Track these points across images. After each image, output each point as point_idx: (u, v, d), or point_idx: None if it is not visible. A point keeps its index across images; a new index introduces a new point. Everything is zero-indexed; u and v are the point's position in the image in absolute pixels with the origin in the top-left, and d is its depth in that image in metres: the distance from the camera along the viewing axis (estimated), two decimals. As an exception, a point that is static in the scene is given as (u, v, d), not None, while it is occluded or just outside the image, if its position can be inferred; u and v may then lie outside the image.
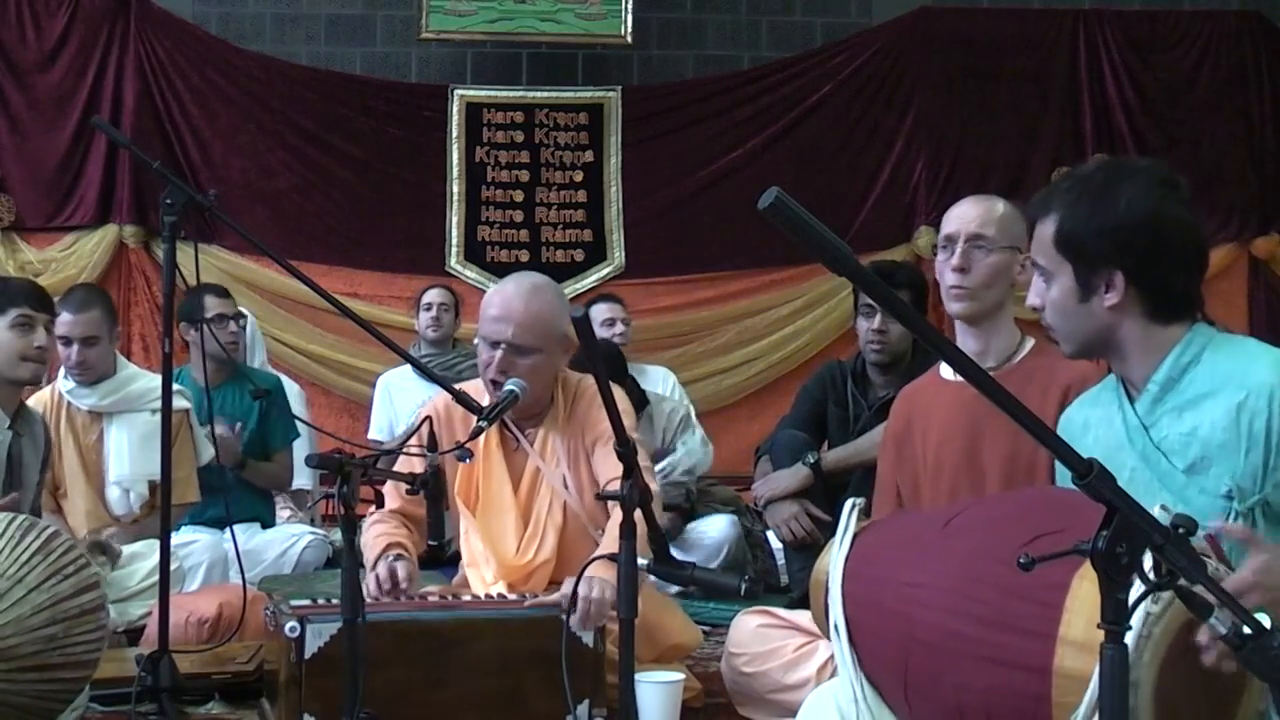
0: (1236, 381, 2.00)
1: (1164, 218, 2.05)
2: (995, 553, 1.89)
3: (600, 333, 5.32)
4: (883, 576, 2.07)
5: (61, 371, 4.19)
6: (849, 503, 2.22)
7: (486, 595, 2.97)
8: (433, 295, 5.97)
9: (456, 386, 3.27)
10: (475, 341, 3.13)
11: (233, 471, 4.59)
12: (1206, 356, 2.06)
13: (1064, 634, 1.77)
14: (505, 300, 3.07)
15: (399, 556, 2.99)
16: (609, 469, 3.00)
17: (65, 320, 3.97)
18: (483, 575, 3.09)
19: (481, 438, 3.07)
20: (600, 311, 5.52)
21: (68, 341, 4.00)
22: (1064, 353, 2.21)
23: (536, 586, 3.08)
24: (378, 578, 2.93)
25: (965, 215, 2.73)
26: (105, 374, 4.10)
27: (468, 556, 3.15)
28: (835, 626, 2.09)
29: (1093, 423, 2.21)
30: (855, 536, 2.17)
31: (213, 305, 4.77)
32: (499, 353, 3.02)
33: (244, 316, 4.98)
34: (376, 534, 3.08)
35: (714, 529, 4.80)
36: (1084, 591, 1.76)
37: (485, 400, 3.06)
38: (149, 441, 3.97)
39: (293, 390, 5.57)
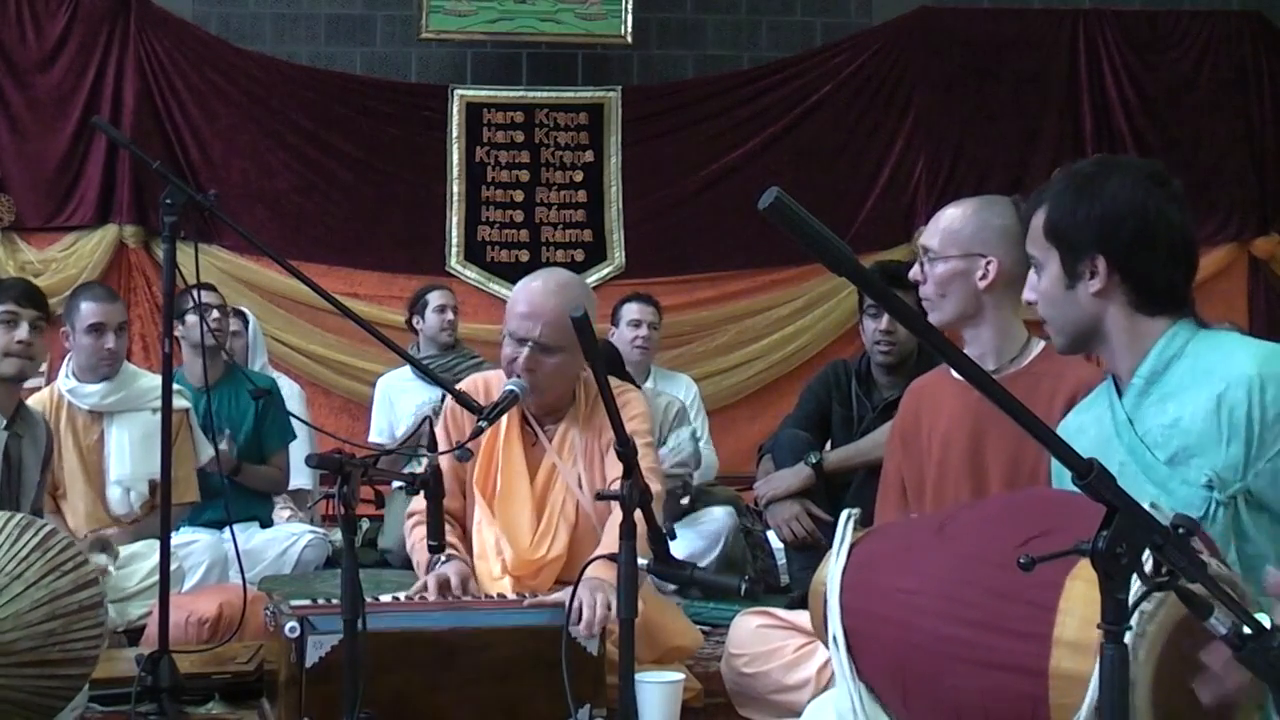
0: (1218, 373, 2.02)
1: (1149, 210, 2.08)
2: (988, 556, 1.89)
3: (625, 331, 5.36)
4: (879, 585, 2.07)
5: (62, 371, 4.19)
6: (844, 514, 2.21)
7: (486, 595, 2.97)
8: (442, 297, 5.81)
9: (479, 375, 3.30)
10: (503, 335, 3.12)
11: (228, 478, 4.60)
12: (1190, 350, 2.08)
13: (1058, 635, 1.76)
14: (534, 298, 3.06)
15: (449, 558, 2.99)
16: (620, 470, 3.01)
17: (101, 309, 4.00)
18: (490, 569, 3.08)
19: (503, 429, 3.09)
20: (630, 310, 5.48)
21: (102, 330, 3.99)
22: (1056, 345, 2.24)
23: (545, 582, 3.08)
24: (428, 589, 2.94)
25: (927, 227, 2.79)
26: (115, 371, 4.12)
27: (478, 548, 3.13)
28: (834, 638, 2.09)
29: (1086, 425, 2.24)
30: (852, 547, 2.16)
31: (201, 296, 4.80)
32: (525, 350, 3.03)
33: (242, 313, 4.97)
34: (422, 536, 3.08)
35: (711, 519, 4.81)
36: (1077, 591, 1.76)
37: None
38: (150, 441, 3.97)
39: (293, 390, 5.58)
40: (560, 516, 3.11)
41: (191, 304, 4.73)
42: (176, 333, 4.64)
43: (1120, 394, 2.16)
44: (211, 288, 4.97)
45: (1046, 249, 2.13)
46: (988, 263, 2.65)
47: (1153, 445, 2.07)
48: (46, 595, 2.54)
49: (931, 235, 2.72)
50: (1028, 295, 2.20)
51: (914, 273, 2.74)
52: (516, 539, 3.09)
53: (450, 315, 5.79)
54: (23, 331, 3.45)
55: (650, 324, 5.45)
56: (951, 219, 2.71)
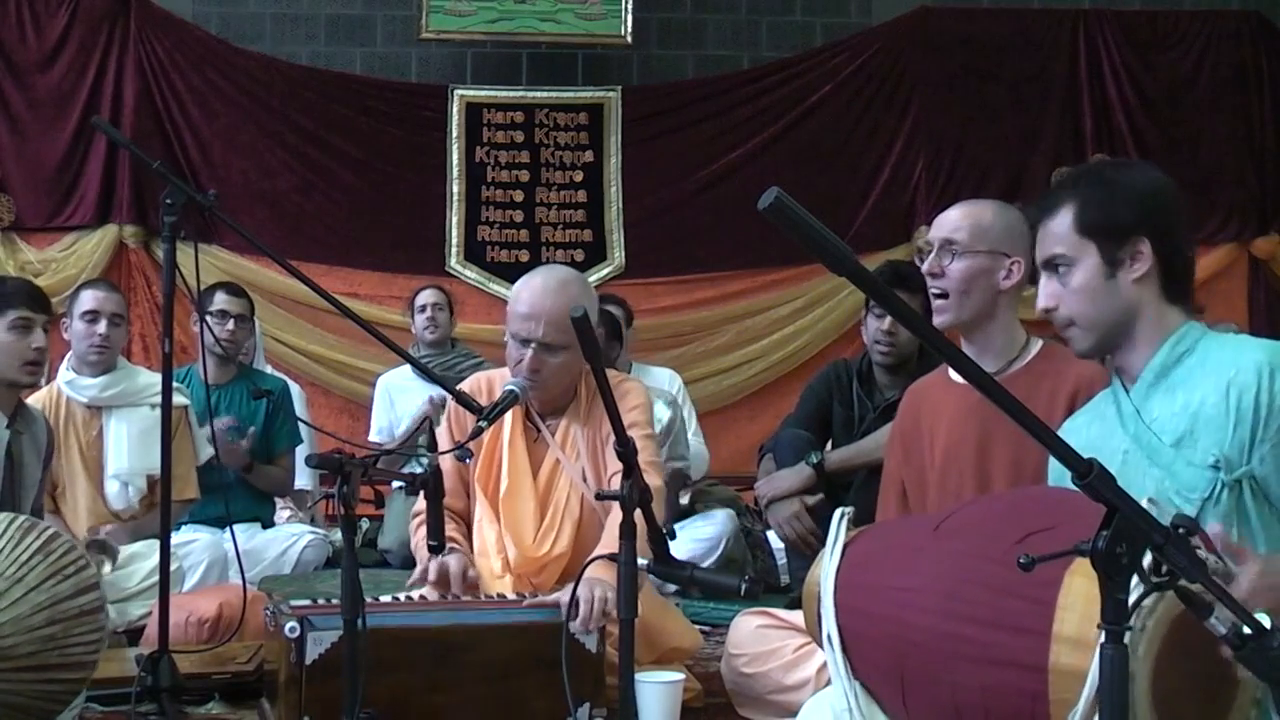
0: (1229, 362, 2.06)
1: (1172, 189, 2.18)
2: (986, 552, 1.89)
3: None
4: (875, 583, 2.07)
5: (63, 365, 4.21)
6: (838, 512, 2.22)
7: (486, 596, 2.97)
8: (426, 296, 5.90)
9: (482, 374, 3.32)
10: (506, 338, 3.11)
11: (239, 475, 4.61)
12: (1201, 347, 2.13)
13: (1058, 631, 1.77)
14: (534, 298, 3.04)
15: (450, 550, 2.99)
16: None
17: (96, 296, 4.09)
18: (491, 566, 3.08)
19: (505, 426, 3.09)
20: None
21: (95, 317, 4.06)
22: (1079, 349, 2.23)
23: (549, 579, 3.08)
24: (428, 575, 2.95)
25: (942, 221, 2.74)
26: (112, 365, 4.14)
27: (478, 545, 3.13)
28: (828, 637, 2.09)
29: (1084, 426, 2.26)
30: (845, 546, 2.16)
31: (219, 301, 4.79)
32: (529, 351, 3.02)
33: (247, 320, 4.93)
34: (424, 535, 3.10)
35: (711, 523, 4.80)
36: (1076, 587, 1.76)
37: None
38: (148, 436, 3.98)
39: (293, 390, 5.57)
40: (565, 512, 3.10)
41: (212, 305, 4.74)
42: (194, 329, 4.64)
43: (1126, 389, 2.18)
44: (238, 292, 4.96)
45: (1080, 245, 2.15)
46: (1012, 263, 2.66)
47: (1159, 431, 2.10)
48: (47, 599, 2.53)
49: (957, 229, 2.68)
50: (1044, 303, 2.20)
51: (930, 265, 2.69)
52: (521, 536, 3.09)
53: (429, 314, 5.82)
54: (39, 338, 3.44)
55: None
56: (979, 215, 2.70)
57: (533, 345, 3.01)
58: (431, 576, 2.94)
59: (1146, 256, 2.13)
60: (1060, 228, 2.17)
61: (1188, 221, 2.21)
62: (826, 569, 2.14)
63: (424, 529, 3.07)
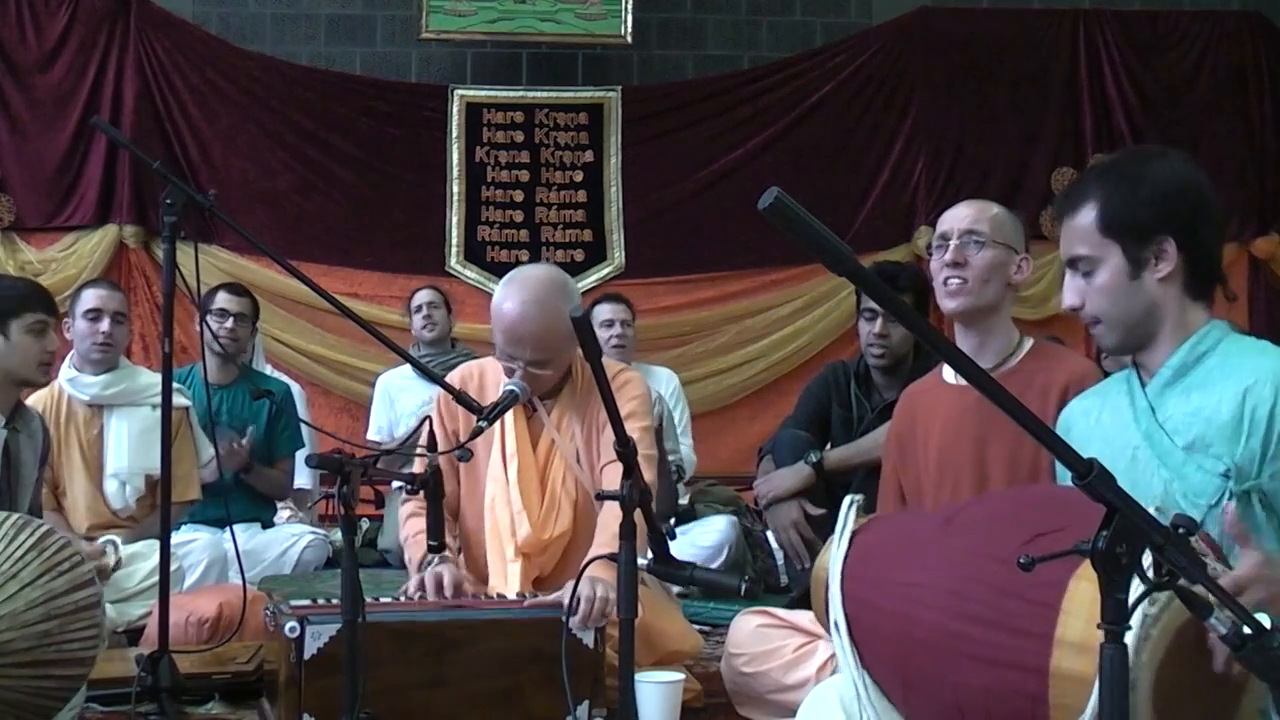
0: (1248, 369, 2.04)
1: (1201, 185, 2.17)
2: (993, 552, 1.89)
3: (599, 333, 5.28)
4: (882, 576, 2.07)
5: (65, 363, 4.20)
6: (847, 500, 2.23)
7: (485, 595, 2.97)
8: (422, 296, 5.93)
9: (474, 364, 3.35)
10: (498, 355, 3.14)
11: (238, 476, 4.60)
12: (1222, 349, 2.11)
13: (1061, 635, 1.76)
14: (515, 321, 3.03)
15: (443, 560, 2.99)
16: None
17: (99, 295, 4.11)
18: (503, 548, 3.08)
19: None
20: (602, 311, 5.46)
21: (98, 316, 4.07)
22: (1106, 344, 2.24)
23: (552, 560, 3.11)
24: (424, 585, 2.95)
25: (958, 214, 2.79)
26: (114, 364, 4.15)
27: (489, 527, 3.13)
28: (835, 624, 2.09)
29: (1094, 409, 2.25)
30: (854, 535, 2.17)
31: (220, 300, 4.79)
32: (519, 369, 3.05)
33: (247, 318, 4.91)
34: (415, 530, 3.09)
35: (713, 530, 4.79)
36: (1081, 592, 1.76)
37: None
38: (148, 435, 3.99)
39: (293, 390, 5.57)
40: (563, 492, 3.13)
41: (213, 304, 4.74)
42: (197, 330, 4.64)
43: (1143, 384, 2.17)
44: (239, 291, 4.94)
45: (1103, 245, 2.13)
46: (1021, 259, 2.75)
47: (1172, 432, 2.08)
48: (43, 595, 2.53)
49: (979, 221, 2.74)
50: (1071, 301, 2.19)
51: (954, 254, 2.72)
52: (529, 515, 3.11)
53: (425, 313, 5.86)
54: (52, 340, 3.47)
55: (623, 321, 5.40)
56: (992, 211, 2.78)
57: (520, 364, 3.05)
58: (429, 588, 2.94)
59: (1171, 256, 2.11)
60: (1084, 226, 2.14)
61: (1218, 215, 2.19)
62: (835, 557, 2.14)
63: (410, 528, 3.11)
